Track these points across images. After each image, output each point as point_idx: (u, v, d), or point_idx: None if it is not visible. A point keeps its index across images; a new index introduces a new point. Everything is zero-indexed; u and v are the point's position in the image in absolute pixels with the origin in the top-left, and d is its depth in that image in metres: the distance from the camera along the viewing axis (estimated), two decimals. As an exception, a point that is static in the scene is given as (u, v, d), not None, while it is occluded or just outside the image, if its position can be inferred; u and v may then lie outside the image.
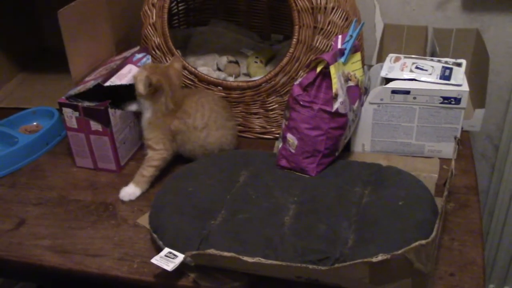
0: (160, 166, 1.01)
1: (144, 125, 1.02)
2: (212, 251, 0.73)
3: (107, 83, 1.00)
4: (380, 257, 0.67)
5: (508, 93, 1.39)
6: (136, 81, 0.96)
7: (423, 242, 0.68)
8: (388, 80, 1.01)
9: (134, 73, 1.00)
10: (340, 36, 0.97)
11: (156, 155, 1.01)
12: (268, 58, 1.34)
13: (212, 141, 1.02)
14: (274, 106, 1.12)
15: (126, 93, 1.04)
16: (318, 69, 0.91)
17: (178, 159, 1.09)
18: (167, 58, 1.13)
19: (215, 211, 0.87)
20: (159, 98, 0.98)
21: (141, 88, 0.95)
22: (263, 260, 0.72)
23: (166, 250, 0.80)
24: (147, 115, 1.01)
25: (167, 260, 0.78)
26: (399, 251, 0.67)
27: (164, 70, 1.00)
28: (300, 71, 1.07)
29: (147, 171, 1.00)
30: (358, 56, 0.99)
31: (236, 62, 1.30)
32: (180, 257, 0.78)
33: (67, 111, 1.02)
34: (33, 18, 1.57)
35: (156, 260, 0.78)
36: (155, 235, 0.85)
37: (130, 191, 0.99)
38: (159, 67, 1.01)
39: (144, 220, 0.92)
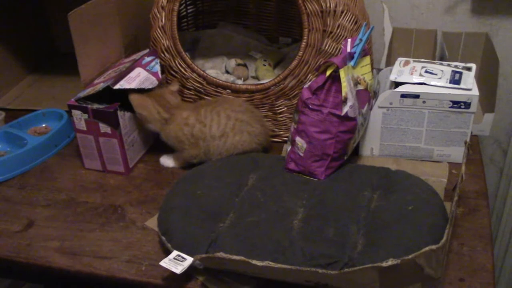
0: (188, 161, 1.06)
1: (162, 135, 1.06)
2: (221, 254, 0.73)
3: (116, 86, 1.01)
4: (390, 262, 0.67)
5: (517, 97, 1.38)
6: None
7: (434, 247, 0.67)
8: (397, 84, 1.01)
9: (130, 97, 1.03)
10: (349, 40, 0.97)
11: (186, 156, 1.05)
12: (276, 61, 1.34)
13: (230, 148, 1.02)
14: (282, 109, 1.12)
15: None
16: (328, 73, 0.91)
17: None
18: (176, 61, 1.13)
19: (223, 214, 0.87)
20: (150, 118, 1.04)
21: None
22: (272, 264, 0.72)
23: (175, 253, 0.80)
24: (150, 127, 1.05)
25: (176, 263, 0.78)
26: (409, 256, 0.67)
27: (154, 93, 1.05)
28: (309, 75, 1.07)
29: (181, 160, 1.07)
30: (367, 59, 0.99)
31: (245, 65, 1.30)
32: (189, 260, 0.77)
33: (76, 113, 1.02)
34: (43, 20, 1.58)
35: (165, 263, 0.78)
36: (163, 238, 0.85)
37: (168, 161, 1.08)
38: (150, 94, 1.05)
39: (152, 223, 0.92)
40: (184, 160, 1.07)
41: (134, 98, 1.02)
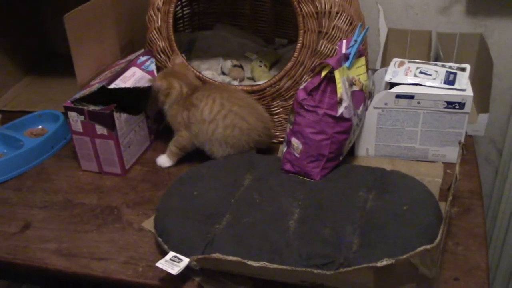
0: (184, 149, 1.08)
1: (166, 114, 1.08)
2: (217, 255, 0.74)
3: (112, 86, 1.01)
4: (385, 262, 0.67)
5: (512, 97, 1.39)
6: (156, 92, 1.06)
7: (428, 247, 0.68)
8: (392, 85, 1.01)
9: (156, 84, 1.06)
10: (344, 41, 0.98)
11: (179, 138, 1.07)
12: (272, 62, 1.35)
13: (219, 138, 1.02)
14: (278, 110, 1.13)
15: (130, 96, 1.04)
16: (323, 74, 0.91)
17: (183, 163, 1.10)
18: (172, 62, 1.14)
19: (220, 215, 0.88)
20: (175, 94, 1.05)
21: (162, 98, 1.06)
22: (268, 265, 0.72)
23: (171, 254, 0.80)
24: (167, 105, 1.07)
25: (172, 264, 0.78)
26: (404, 256, 0.67)
27: (172, 72, 1.08)
28: (305, 76, 1.07)
29: (173, 149, 1.08)
30: (362, 60, 1.00)
31: (241, 66, 1.30)
32: (185, 261, 0.78)
33: (72, 115, 1.02)
34: (39, 22, 1.58)
35: (161, 264, 0.78)
36: (160, 239, 0.85)
37: (163, 160, 1.10)
38: (166, 71, 1.08)
39: (149, 224, 0.93)
40: (176, 145, 1.07)
41: (163, 82, 1.04)
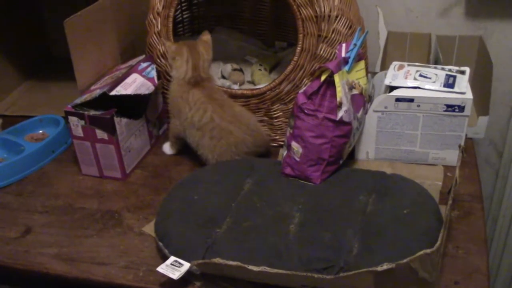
0: (178, 137, 1.10)
1: (169, 95, 1.09)
2: (218, 260, 0.74)
3: (113, 92, 1.01)
4: (385, 266, 0.68)
5: (512, 99, 1.39)
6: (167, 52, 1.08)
7: (428, 251, 0.68)
8: (392, 88, 1.01)
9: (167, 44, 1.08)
10: (344, 45, 0.98)
11: (172, 126, 1.10)
12: (272, 65, 1.35)
13: (206, 146, 1.03)
14: (278, 114, 1.13)
15: (131, 101, 1.05)
16: (323, 78, 0.91)
17: (184, 166, 1.10)
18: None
19: (220, 219, 0.88)
20: (179, 65, 1.05)
21: (169, 58, 1.07)
22: (268, 269, 0.72)
23: (172, 258, 0.80)
24: (171, 84, 1.08)
25: (173, 268, 0.78)
26: (404, 260, 0.68)
27: (191, 43, 1.08)
28: (304, 79, 1.07)
29: (171, 138, 1.13)
30: (362, 64, 1.00)
31: (241, 70, 1.31)
32: (186, 265, 0.78)
33: (73, 119, 1.03)
34: (39, 26, 1.59)
35: (162, 268, 0.78)
36: (160, 244, 0.85)
37: (166, 148, 1.15)
38: (186, 42, 1.08)
39: (149, 228, 0.93)
40: (172, 133, 1.11)
41: (174, 45, 1.06)
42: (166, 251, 0.84)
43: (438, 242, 0.70)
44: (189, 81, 1.05)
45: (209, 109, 1.02)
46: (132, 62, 1.14)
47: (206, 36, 1.10)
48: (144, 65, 1.12)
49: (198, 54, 1.06)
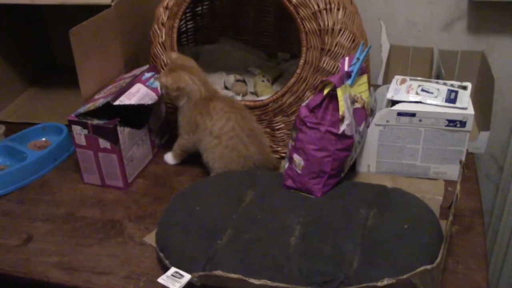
0: (187, 151, 1.11)
1: (179, 112, 1.08)
2: (219, 272, 0.74)
3: (117, 102, 1.02)
4: (385, 282, 0.68)
5: (513, 114, 1.40)
6: (165, 89, 1.06)
7: (429, 267, 0.68)
8: (394, 102, 1.02)
9: (161, 80, 1.05)
10: (347, 58, 0.99)
11: (182, 141, 1.10)
12: (275, 76, 1.36)
13: (217, 153, 1.03)
14: (280, 126, 1.13)
15: (135, 111, 1.05)
16: (325, 91, 0.92)
17: (185, 175, 1.10)
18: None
19: (221, 230, 0.88)
20: (189, 90, 1.05)
21: (172, 95, 1.05)
22: (269, 283, 0.73)
23: (173, 269, 0.80)
24: (181, 103, 1.07)
25: (174, 279, 0.78)
26: (405, 276, 0.68)
27: (179, 66, 1.06)
28: (307, 92, 1.08)
29: (177, 150, 1.12)
30: (364, 78, 1.00)
31: (243, 81, 1.31)
32: (187, 277, 0.78)
33: (76, 128, 1.03)
34: (43, 34, 1.60)
35: (163, 279, 0.79)
36: (161, 254, 0.85)
37: (169, 158, 1.15)
38: (170, 68, 1.06)
39: (150, 238, 0.93)
40: (179, 147, 1.11)
41: (168, 77, 1.03)
42: (167, 262, 0.84)
43: (439, 258, 0.71)
44: (205, 97, 1.05)
45: (232, 118, 1.03)
46: (136, 71, 1.15)
47: (175, 54, 1.10)
48: (148, 75, 1.13)
49: (195, 69, 1.07)
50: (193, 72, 1.06)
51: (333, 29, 1.03)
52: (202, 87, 1.05)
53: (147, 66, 1.17)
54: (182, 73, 1.04)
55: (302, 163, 0.96)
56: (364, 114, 0.99)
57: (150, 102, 1.08)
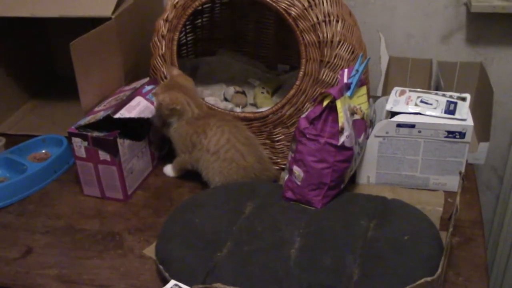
0: (185, 168, 1.11)
1: (171, 133, 1.08)
2: (219, 285, 0.74)
3: (117, 115, 1.02)
4: (385, 294, 0.68)
5: (513, 125, 1.40)
6: (159, 106, 1.05)
7: (429, 279, 0.68)
8: (393, 114, 1.02)
9: (159, 98, 1.05)
10: (346, 70, 0.99)
11: (180, 161, 1.10)
12: (274, 88, 1.36)
13: (216, 168, 1.04)
14: (280, 137, 1.14)
15: (135, 124, 1.05)
16: (325, 103, 0.92)
17: (185, 188, 1.10)
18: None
19: (221, 243, 0.88)
20: (183, 111, 1.05)
21: (164, 112, 1.05)
22: (269, 295, 0.72)
23: (172, 282, 0.80)
24: (174, 124, 1.07)
25: (173, 292, 0.78)
26: (405, 288, 0.68)
27: (176, 84, 1.07)
28: (307, 103, 1.08)
29: (176, 166, 1.13)
30: (363, 90, 1.01)
31: (243, 93, 1.32)
32: (186, 290, 0.78)
33: (76, 140, 1.03)
34: (44, 46, 1.60)
35: (162, 292, 0.78)
36: (161, 267, 0.85)
37: (168, 170, 1.15)
38: (169, 84, 1.07)
39: (150, 251, 0.93)
40: (178, 164, 1.12)
41: (166, 96, 1.03)
42: (166, 274, 0.84)
43: (439, 270, 0.71)
44: (198, 117, 1.06)
45: (226, 131, 1.04)
46: (136, 84, 1.15)
47: (176, 70, 1.11)
48: (148, 88, 1.13)
49: (190, 90, 1.08)
50: (190, 94, 1.07)
51: (332, 41, 1.04)
52: (196, 110, 1.06)
53: (148, 79, 1.17)
54: (180, 95, 1.05)
55: (302, 174, 0.96)
56: (363, 125, 1.00)
57: (150, 116, 1.08)
